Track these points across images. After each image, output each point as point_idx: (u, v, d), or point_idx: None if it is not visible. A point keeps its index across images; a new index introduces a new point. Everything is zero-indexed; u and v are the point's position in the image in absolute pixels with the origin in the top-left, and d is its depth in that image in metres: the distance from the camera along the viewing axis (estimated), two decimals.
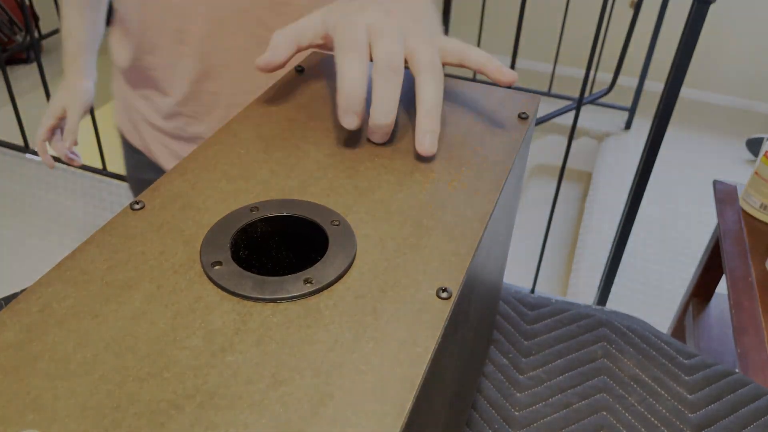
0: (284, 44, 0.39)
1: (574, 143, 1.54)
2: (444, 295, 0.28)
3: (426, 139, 0.37)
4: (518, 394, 0.53)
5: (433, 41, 0.40)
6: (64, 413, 0.23)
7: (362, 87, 0.36)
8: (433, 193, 0.35)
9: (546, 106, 2.20)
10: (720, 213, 1.21)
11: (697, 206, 2.14)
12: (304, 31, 0.40)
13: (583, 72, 1.45)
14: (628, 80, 2.44)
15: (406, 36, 0.39)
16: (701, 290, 1.34)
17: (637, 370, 0.56)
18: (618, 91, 2.39)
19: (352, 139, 0.40)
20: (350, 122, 0.37)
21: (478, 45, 2.17)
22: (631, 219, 1.43)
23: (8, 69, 2.04)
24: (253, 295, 0.27)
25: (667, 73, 1.24)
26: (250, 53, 0.68)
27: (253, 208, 0.33)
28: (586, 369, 0.56)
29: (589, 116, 2.48)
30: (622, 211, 1.44)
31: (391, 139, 0.40)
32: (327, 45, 0.42)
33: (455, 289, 0.28)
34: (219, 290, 0.28)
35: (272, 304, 0.27)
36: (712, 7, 1.13)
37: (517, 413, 0.52)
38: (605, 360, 0.57)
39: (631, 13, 2.12)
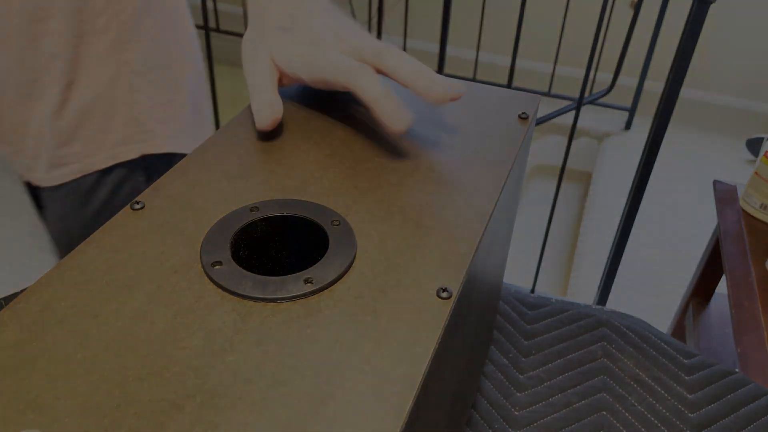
0: (276, 99, 0.41)
1: (574, 143, 1.54)
2: (444, 295, 0.28)
3: (439, 86, 0.38)
4: (518, 394, 0.53)
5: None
6: (64, 413, 0.23)
7: (394, 92, 0.37)
8: (433, 193, 0.35)
9: (546, 106, 2.20)
10: (720, 213, 1.21)
11: (697, 206, 2.13)
12: (273, 79, 0.42)
13: (583, 72, 1.45)
14: (628, 80, 2.44)
15: None
16: (701, 290, 1.34)
17: (637, 370, 0.56)
18: (618, 91, 2.39)
19: (352, 139, 0.40)
20: (404, 120, 0.37)
21: (478, 45, 2.17)
22: (631, 219, 1.43)
23: None
24: (254, 294, 0.27)
25: (667, 73, 1.24)
26: (22, 29, 0.63)
27: (253, 208, 0.33)
28: (586, 369, 0.56)
29: (589, 116, 2.48)
30: (622, 210, 1.44)
31: (391, 139, 0.40)
32: (283, 81, 0.43)
33: (455, 289, 0.28)
34: (219, 290, 0.28)
35: (272, 303, 0.27)
36: (712, 7, 1.12)
37: (517, 413, 0.52)
38: (605, 360, 0.57)
39: (631, 13, 2.12)
